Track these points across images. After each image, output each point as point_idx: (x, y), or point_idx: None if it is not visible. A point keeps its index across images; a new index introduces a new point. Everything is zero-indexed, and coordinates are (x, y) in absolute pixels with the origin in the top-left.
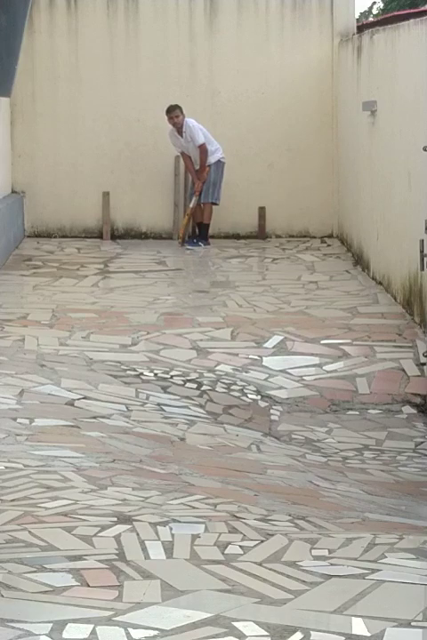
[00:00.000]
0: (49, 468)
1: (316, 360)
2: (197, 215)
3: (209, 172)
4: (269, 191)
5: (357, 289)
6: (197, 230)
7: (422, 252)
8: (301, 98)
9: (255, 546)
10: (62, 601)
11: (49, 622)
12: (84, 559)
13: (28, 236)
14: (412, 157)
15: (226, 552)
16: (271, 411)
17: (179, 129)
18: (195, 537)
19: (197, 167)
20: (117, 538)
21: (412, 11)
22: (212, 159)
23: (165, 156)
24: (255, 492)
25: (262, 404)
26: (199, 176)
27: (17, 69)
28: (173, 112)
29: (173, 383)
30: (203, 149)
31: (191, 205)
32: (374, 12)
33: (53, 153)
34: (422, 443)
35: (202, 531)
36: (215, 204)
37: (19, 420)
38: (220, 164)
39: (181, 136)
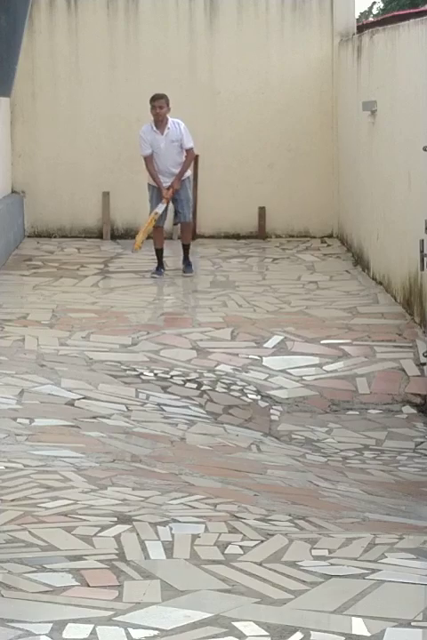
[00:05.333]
0: (49, 468)
1: (316, 360)
2: (186, 235)
3: (185, 188)
4: (269, 191)
5: (357, 289)
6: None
7: (422, 251)
8: (301, 98)
9: (255, 546)
10: (62, 601)
11: (49, 622)
12: (84, 559)
13: (28, 236)
14: (412, 157)
15: (226, 552)
16: (271, 411)
17: (160, 122)
18: (195, 537)
19: (174, 170)
20: (117, 538)
21: (412, 11)
22: (188, 173)
23: None
24: (255, 492)
25: (262, 403)
26: (175, 182)
27: (17, 69)
28: (159, 101)
29: (173, 383)
30: (191, 155)
31: (158, 211)
32: (374, 11)
33: (53, 153)
34: (422, 443)
35: (202, 531)
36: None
37: (19, 420)
38: (190, 180)
39: (161, 132)
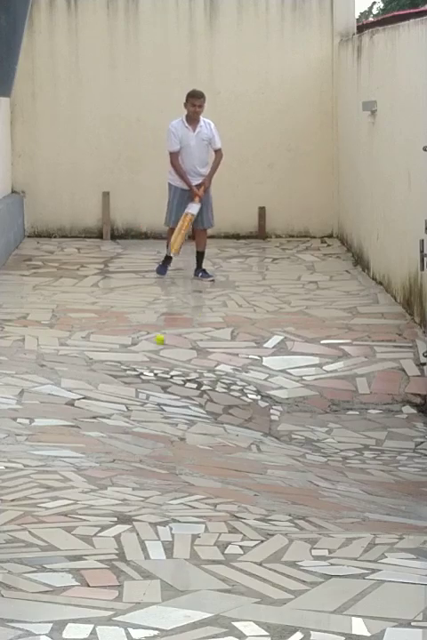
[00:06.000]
0: (49, 468)
1: (316, 360)
2: (201, 242)
3: (208, 193)
4: (269, 191)
5: (357, 289)
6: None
7: (422, 251)
8: (301, 98)
9: (255, 546)
10: (62, 601)
11: (49, 622)
12: (84, 559)
13: (28, 236)
14: (412, 157)
15: (226, 552)
16: (271, 411)
17: (195, 120)
18: (195, 537)
19: (201, 169)
20: (117, 538)
21: (412, 11)
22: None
23: (165, 156)
24: (255, 492)
25: (262, 403)
26: (206, 181)
27: (17, 69)
28: (200, 99)
29: (173, 383)
30: (220, 155)
31: (192, 212)
32: (374, 11)
33: (53, 153)
34: (422, 443)
35: (202, 531)
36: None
37: (19, 420)
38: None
39: (193, 130)
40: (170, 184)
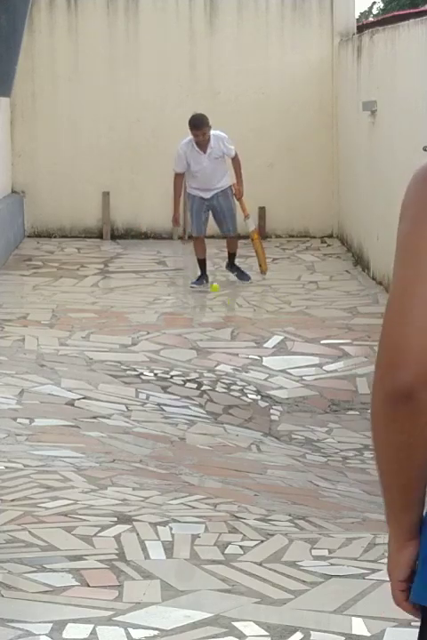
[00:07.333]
0: (49, 468)
1: (316, 360)
2: (232, 245)
3: (229, 199)
4: (269, 191)
5: (357, 289)
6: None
7: None
8: (301, 98)
9: (255, 546)
10: (62, 601)
11: (49, 622)
12: (84, 559)
13: (28, 236)
14: (412, 157)
15: (226, 552)
16: (271, 411)
17: (203, 145)
18: (195, 537)
19: (218, 184)
20: (117, 538)
21: (412, 11)
22: (228, 182)
23: (165, 156)
24: (255, 492)
25: (262, 403)
26: (241, 192)
27: (17, 69)
28: (203, 128)
29: (173, 383)
30: (238, 161)
31: (253, 228)
32: (374, 11)
33: (53, 153)
34: None
35: (202, 531)
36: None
37: (19, 420)
38: (231, 189)
39: (204, 152)
40: (189, 193)
